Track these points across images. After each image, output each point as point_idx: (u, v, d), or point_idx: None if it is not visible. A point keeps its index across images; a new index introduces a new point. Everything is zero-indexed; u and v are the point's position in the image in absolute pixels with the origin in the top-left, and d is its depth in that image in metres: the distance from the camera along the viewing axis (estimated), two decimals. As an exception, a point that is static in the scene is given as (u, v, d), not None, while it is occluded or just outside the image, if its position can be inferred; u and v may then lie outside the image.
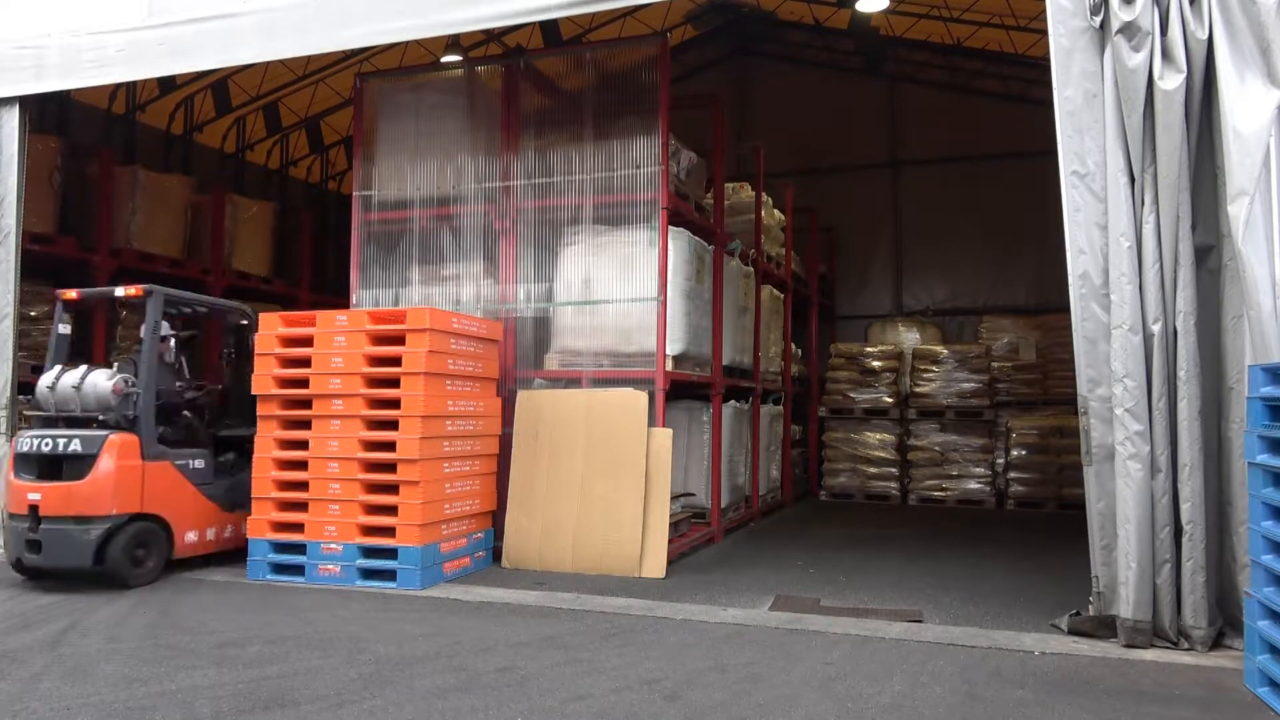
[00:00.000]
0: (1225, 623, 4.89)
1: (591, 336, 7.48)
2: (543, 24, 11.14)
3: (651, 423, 6.97)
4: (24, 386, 8.26)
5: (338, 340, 6.55)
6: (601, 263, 7.47)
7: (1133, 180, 4.96)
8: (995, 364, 12.07)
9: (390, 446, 6.37)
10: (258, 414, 6.74)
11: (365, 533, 6.41)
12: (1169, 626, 4.83)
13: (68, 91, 9.01)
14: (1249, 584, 4.42)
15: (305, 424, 6.60)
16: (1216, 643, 4.82)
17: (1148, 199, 4.92)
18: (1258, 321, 4.59)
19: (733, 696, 4.09)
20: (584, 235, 7.56)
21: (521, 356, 7.70)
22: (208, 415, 7.32)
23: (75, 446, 6.27)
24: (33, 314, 9.13)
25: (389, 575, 6.29)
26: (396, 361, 6.42)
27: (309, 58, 11.18)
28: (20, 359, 8.04)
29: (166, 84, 11.61)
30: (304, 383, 6.61)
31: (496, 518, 7.23)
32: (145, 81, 10.70)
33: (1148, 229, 4.91)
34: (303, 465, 6.57)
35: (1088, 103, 5.10)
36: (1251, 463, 4.33)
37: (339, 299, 10.21)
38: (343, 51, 10.67)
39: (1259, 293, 4.59)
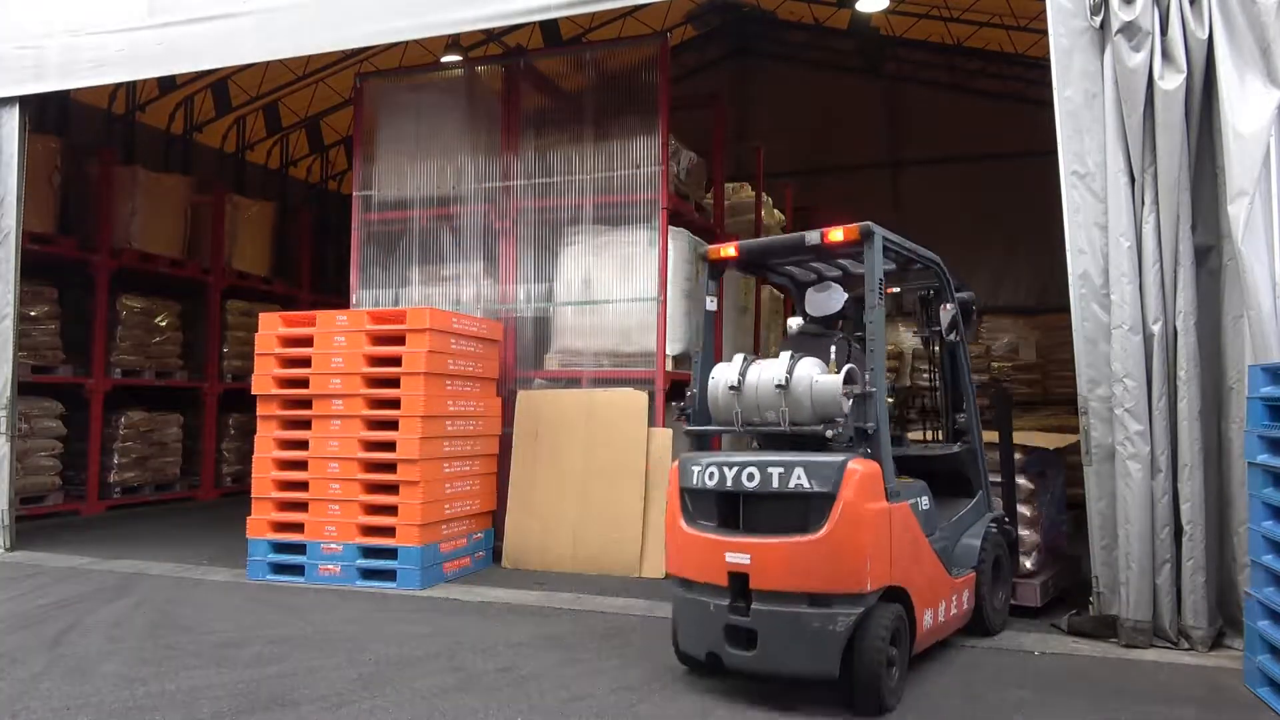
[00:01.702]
0: (1225, 623, 4.89)
1: (591, 336, 7.48)
2: (543, 24, 11.14)
3: (651, 423, 6.97)
4: (24, 386, 8.26)
5: (338, 340, 6.55)
6: (601, 263, 7.47)
7: (1133, 180, 4.96)
8: (995, 364, 12.07)
9: (390, 446, 6.37)
10: (257, 414, 6.74)
11: (365, 533, 6.41)
12: (1169, 626, 4.83)
13: (68, 91, 9.01)
14: (1249, 584, 4.42)
15: (305, 424, 6.60)
16: (1216, 643, 4.82)
17: (1148, 199, 4.92)
18: (1258, 321, 4.59)
19: (733, 696, 4.08)
20: (584, 235, 7.56)
21: (521, 356, 7.70)
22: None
23: (800, 479, 3.85)
24: (33, 314, 9.13)
25: (389, 575, 6.29)
26: (396, 361, 6.42)
27: (309, 58, 11.18)
28: (20, 359, 8.03)
29: (166, 84, 11.61)
30: (304, 383, 6.61)
31: (496, 518, 7.23)
32: (145, 81, 10.71)
33: (1148, 229, 4.91)
34: (303, 465, 6.56)
35: (1088, 103, 5.10)
36: (1251, 463, 4.33)
37: (339, 299, 10.21)
38: (343, 51, 10.67)
39: (1259, 293, 4.59)
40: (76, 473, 9.83)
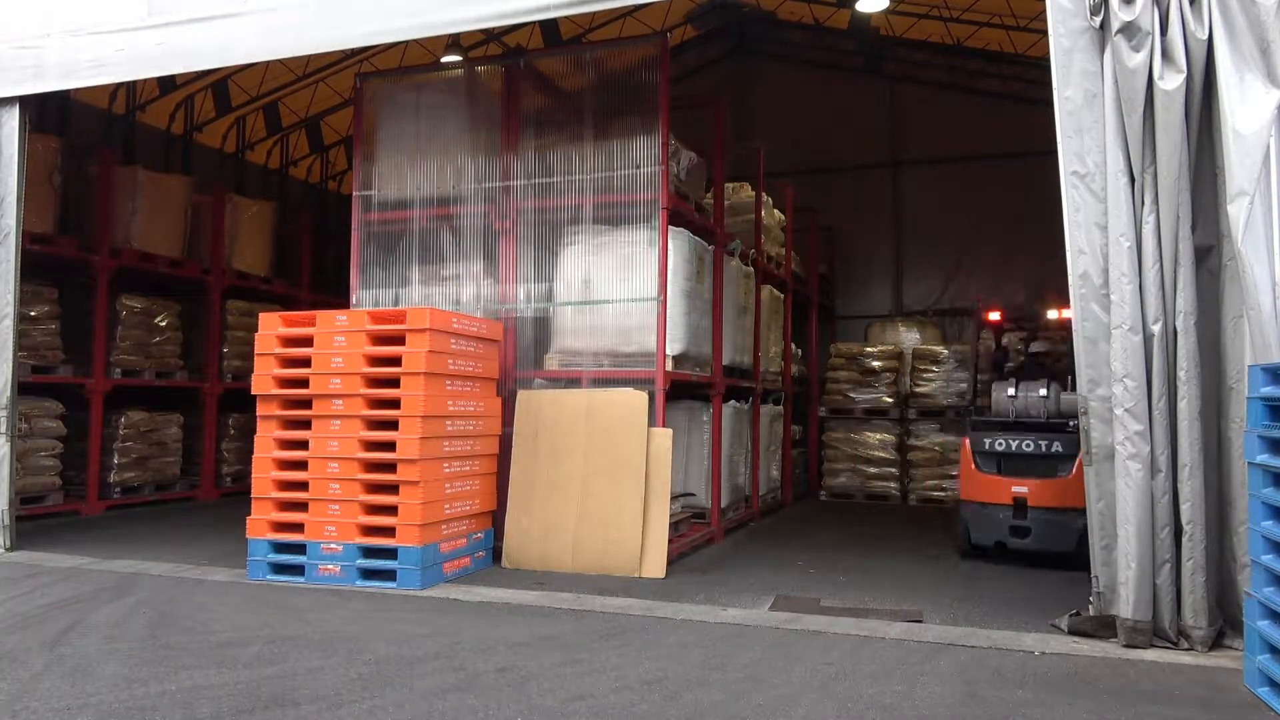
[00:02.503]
0: (1225, 623, 4.89)
1: (591, 336, 7.48)
2: (543, 24, 11.15)
3: (651, 423, 6.97)
4: (24, 387, 8.26)
5: (338, 340, 6.55)
6: (601, 263, 7.47)
7: (1133, 180, 4.96)
8: (995, 364, 12.06)
9: (390, 446, 6.37)
10: (257, 414, 6.74)
11: (365, 533, 6.41)
12: (1169, 626, 4.83)
13: (68, 91, 9.01)
14: (1249, 584, 4.42)
15: (305, 424, 6.60)
16: (1216, 643, 4.82)
17: (1148, 199, 4.92)
18: (1258, 321, 4.59)
19: (733, 696, 4.09)
20: (584, 235, 7.56)
21: (521, 356, 7.70)
22: None
23: (1058, 447, 7.14)
24: (33, 314, 9.13)
25: (389, 575, 6.29)
26: (396, 361, 6.42)
27: (309, 58, 11.19)
28: (20, 359, 8.02)
29: (166, 84, 11.62)
30: (304, 383, 6.61)
31: (496, 518, 7.23)
32: (145, 81, 10.71)
33: (1148, 229, 4.91)
34: (303, 465, 6.56)
35: (1088, 103, 5.10)
36: (1251, 463, 4.33)
37: (339, 299, 10.22)
38: (343, 51, 10.68)
39: (1259, 293, 4.59)
40: (76, 473, 9.83)
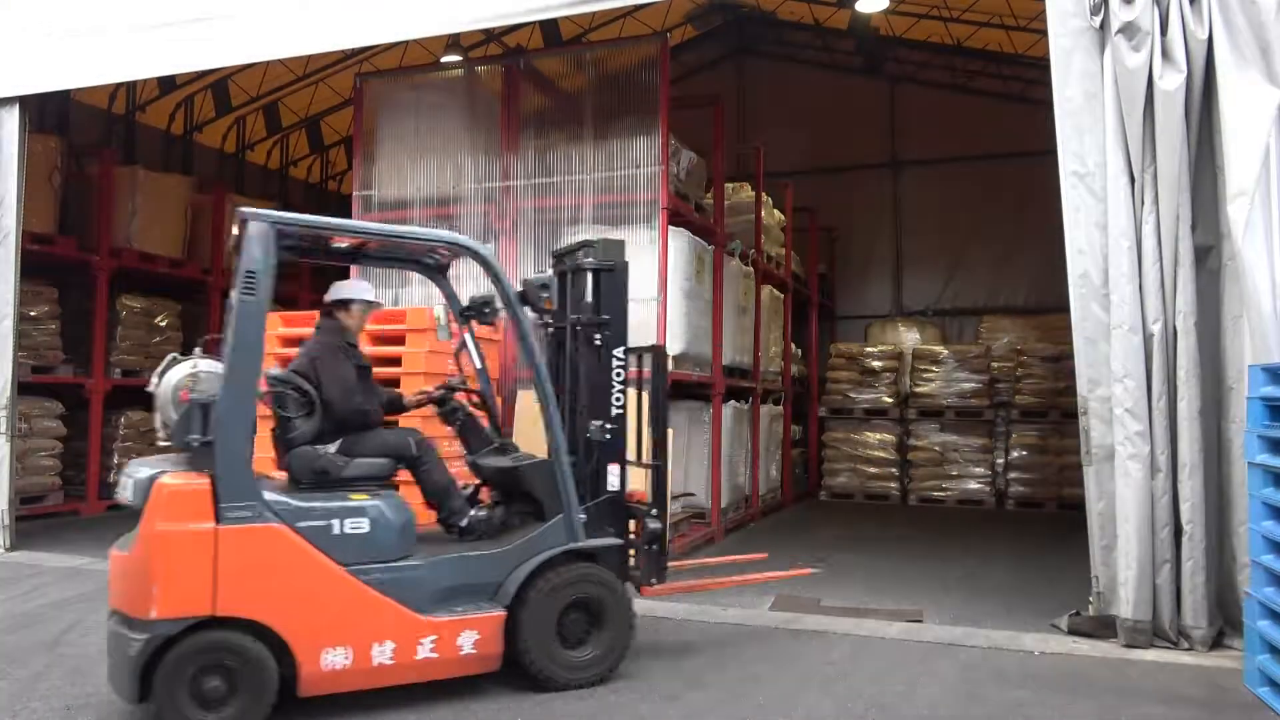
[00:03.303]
0: (1225, 623, 4.89)
1: (591, 336, 7.47)
2: (543, 24, 11.14)
3: (651, 423, 6.95)
4: (24, 387, 8.25)
5: (338, 340, 6.53)
6: (601, 263, 7.45)
7: (1133, 180, 4.96)
8: (995, 364, 12.06)
9: (390, 446, 6.34)
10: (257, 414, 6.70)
11: (365, 533, 6.38)
12: (1169, 626, 4.83)
13: (68, 91, 9.01)
14: (1249, 584, 4.42)
15: (305, 424, 6.57)
16: (1216, 643, 4.82)
17: (1148, 199, 4.92)
18: (1258, 321, 4.59)
19: (733, 696, 4.09)
20: (584, 235, 7.55)
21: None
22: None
23: (126, 492, 3.83)
24: (33, 314, 9.13)
25: (389, 575, 6.25)
26: (396, 361, 6.41)
27: (309, 58, 11.19)
28: (20, 359, 8.02)
29: (166, 84, 11.62)
30: (304, 383, 6.59)
31: (496, 518, 7.21)
32: (145, 81, 10.72)
33: (1148, 229, 4.91)
34: (303, 465, 6.53)
35: (1088, 103, 5.10)
36: (1251, 463, 4.34)
37: (339, 299, 10.20)
38: (343, 51, 10.68)
39: (1259, 293, 4.59)
40: (76, 473, 9.82)
